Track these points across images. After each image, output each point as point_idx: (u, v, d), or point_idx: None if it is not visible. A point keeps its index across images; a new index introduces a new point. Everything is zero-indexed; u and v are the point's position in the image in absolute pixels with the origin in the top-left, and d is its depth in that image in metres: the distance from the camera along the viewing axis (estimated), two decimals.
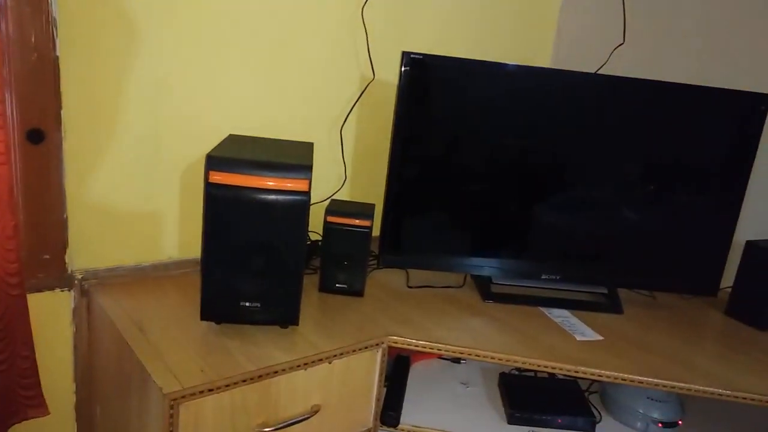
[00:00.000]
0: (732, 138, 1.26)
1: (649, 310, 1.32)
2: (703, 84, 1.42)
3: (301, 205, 0.91)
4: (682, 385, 0.99)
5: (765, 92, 1.25)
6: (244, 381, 0.86)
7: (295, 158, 0.95)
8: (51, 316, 1.09)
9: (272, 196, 0.91)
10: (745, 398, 0.98)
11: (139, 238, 1.17)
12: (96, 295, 1.07)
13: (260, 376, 0.87)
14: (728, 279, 1.34)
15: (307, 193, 0.91)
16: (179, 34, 1.11)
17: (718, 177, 1.28)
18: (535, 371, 1.33)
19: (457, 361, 1.35)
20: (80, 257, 1.10)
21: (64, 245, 1.07)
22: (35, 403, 1.08)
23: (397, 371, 1.22)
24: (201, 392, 0.81)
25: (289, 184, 0.91)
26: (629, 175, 1.29)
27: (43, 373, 1.10)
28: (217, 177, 0.89)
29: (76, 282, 1.10)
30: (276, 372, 0.89)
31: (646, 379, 1.00)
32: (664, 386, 0.99)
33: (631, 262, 1.32)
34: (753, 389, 0.99)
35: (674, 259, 1.32)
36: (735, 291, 1.30)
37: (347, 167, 1.43)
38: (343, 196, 1.45)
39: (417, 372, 1.27)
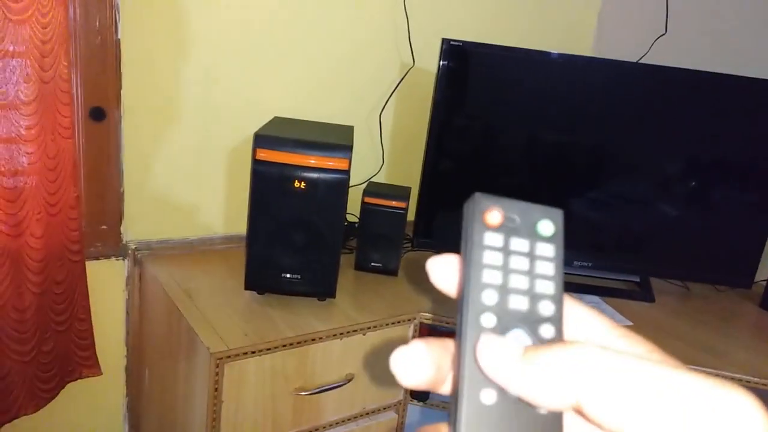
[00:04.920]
0: None
1: (682, 300, 1.32)
2: (743, 75, 1.40)
3: (341, 182, 0.96)
4: (710, 370, 1.00)
5: None
6: (284, 346, 0.91)
7: (337, 139, 1.00)
8: (106, 283, 1.17)
9: (314, 174, 0.96)
10: None
11: (188, 214, 1.24)
12: (148, 264, 1.14)
13: (299, 342, 0.93)
14: (765, 272, 1.33)
15: (347, 172, 0.96)
16: (225, 21, 1.17)
17: (757, 168, 1.27)
18: None
19: None
20: (134, 229, 1.18)
21: (120, 217, 1.15)
22: (90, 363, 1.16)
23: None
24: (245, 353, 0.87)
25: (330, 163, 0.96)
26: (667, 166, 1.29)
27: (97, 336, 1.18)
28: (263, 154, 0.95)
29: (130, 252, 1.17)
30: (314, 339, 0.94)
31: None
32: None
33: (665, 252, 1.32)
34: None
35: (708, 250, 1.31)
36: None
37: (385, 152, 1.48)
38: (380, 179, 1.49)
39: None
